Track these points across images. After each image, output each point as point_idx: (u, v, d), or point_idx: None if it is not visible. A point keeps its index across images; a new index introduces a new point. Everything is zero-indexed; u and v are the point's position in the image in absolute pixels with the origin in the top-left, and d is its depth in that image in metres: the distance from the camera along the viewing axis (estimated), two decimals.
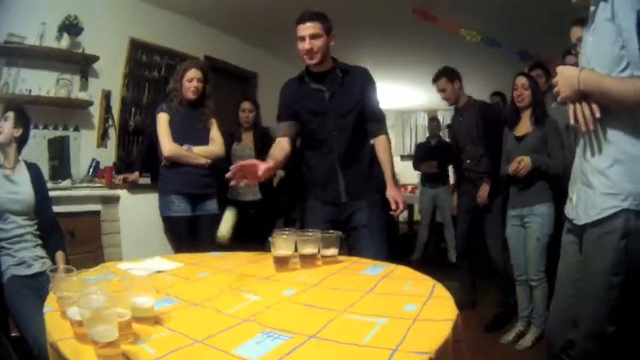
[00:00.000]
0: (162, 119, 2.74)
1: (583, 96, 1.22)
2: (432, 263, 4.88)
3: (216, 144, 2.85)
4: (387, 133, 2.22)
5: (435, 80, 3.31)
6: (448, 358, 0.87)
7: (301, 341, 0.89)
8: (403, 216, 6.27)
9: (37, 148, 2.64)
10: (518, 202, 2.71)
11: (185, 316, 1.08)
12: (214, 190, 2.87)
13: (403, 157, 9.02)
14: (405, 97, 8.10)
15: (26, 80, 3.22)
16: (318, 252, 1.56)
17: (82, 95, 3.49)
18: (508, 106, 3.16)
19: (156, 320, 1.02)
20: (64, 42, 3.36)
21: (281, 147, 2.15)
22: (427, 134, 5.92)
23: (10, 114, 2.22)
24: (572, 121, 1.28)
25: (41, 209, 2.21)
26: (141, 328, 0.96)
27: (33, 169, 2.30)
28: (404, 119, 9.60)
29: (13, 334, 1.96)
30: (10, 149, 2.21)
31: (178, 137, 2.73)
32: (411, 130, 9.65)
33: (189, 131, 2.76)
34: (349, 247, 2.23)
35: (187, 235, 2.74)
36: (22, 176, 2.22)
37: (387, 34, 4.87)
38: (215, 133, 2.88)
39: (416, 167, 5.53)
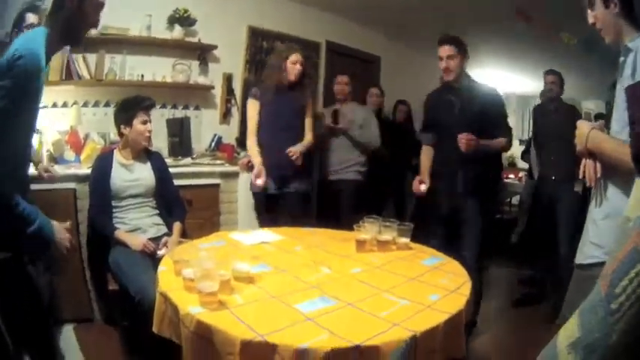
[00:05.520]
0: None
1: (590, 153, 1.25)
2: None
3: (309, 136, 2.90)
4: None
5: None
6: (434, 341, 1.13)
7: (341, 306, 1.24)
8: None
9: (156, 126, 2.55)
10: None
11: (272, 279, 1.46)
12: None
13: (521, 142, 8.74)
14: (525, 83, 7.70)
15: (135, 67, 3.23)
16: (394, 239, 1.83)
17: (202, 80, 3.55)
18: None
19: (250, 280, 1.41)
20: (177, 33, 3.39)
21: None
22: None
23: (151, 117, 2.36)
24: (580, 175, 1.29)
25: (162, 190, 2.40)
26: (239, 285, 1.36)
27: (154, 156, 2.47)
28: (524, 104, 9.26)
29: (111, 288, 2.16)
30: None
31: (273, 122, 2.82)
32: (529, 116, 9.29)
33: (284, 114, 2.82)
34: None
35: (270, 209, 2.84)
36: (143, 164, 2.39)
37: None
38: (308, 121, 2.92)
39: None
